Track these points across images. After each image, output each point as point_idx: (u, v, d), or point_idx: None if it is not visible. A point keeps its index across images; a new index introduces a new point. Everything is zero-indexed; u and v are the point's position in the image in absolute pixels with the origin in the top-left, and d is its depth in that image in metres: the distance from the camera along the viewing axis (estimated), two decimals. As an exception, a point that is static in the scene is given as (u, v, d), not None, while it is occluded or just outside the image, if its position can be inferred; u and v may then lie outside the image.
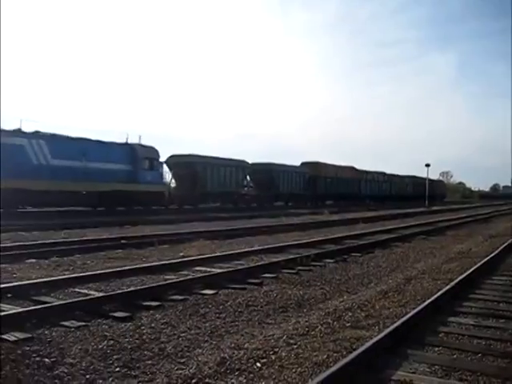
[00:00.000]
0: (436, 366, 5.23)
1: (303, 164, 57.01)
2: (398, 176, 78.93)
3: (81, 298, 7.63)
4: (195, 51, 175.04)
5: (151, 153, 36.00)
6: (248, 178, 49.17)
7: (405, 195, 77.59)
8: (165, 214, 30.76)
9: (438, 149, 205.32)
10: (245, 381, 4.81)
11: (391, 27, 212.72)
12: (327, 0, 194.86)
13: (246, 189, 48.29)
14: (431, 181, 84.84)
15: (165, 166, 39.50)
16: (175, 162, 40.76)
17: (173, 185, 41.29)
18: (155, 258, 12.41)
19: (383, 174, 73.77)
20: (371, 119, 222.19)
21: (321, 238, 17.14)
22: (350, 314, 7.42)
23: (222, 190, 43.08)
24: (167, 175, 40.10)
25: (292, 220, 27.84)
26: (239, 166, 45.90)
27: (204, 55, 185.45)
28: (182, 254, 13.12)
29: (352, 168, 64.63)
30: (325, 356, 5.49)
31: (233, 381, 4.80)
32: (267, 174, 49.31)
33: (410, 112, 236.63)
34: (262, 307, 7.81)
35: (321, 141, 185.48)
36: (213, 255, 12.47)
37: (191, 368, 5.10)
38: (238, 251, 13.36)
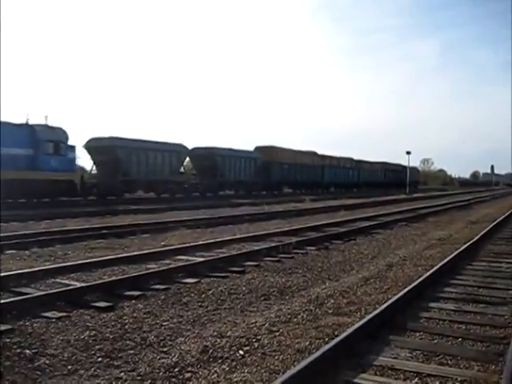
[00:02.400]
0: (417, 351, 5.28)
1: (256, 149, 51.71)
2: (367, 162, 74.14)
3: (62, 289, 7.56)
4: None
5: (57, 135, 29.99)
6: (190, 164, 46.05)
7: (375, 183, 74.05)
8: (145, 204, 30.23)
9: (420, 136, 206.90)
10: (228, 369, 4.81)
11: (373, 14, 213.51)
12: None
13: (183, 176, 42.48)
14: (404, 167, 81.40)
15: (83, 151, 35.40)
16: (94, 146, 35.55)
17: (94, 172, 36.77)
18: (136, 247, 12.35)
19: (350, 159, 68.64)
20: (354, 107, 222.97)
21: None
22: (332, 300, 7.46)
23: (152, 178, 37.60)
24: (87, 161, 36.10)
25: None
26: (173, 150, 39.91)
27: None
28: (163, 243, 13.07)
29: (313, 153, 59.70)
30: (307, 343, 5.51)
31: (216, 369, 4.80)
32: (210, 160, 43.37)
33: (393, 99, 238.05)
34: (244, 295, 7.82)
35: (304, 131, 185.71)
36: (194, 244, 12.43)
37: (174, 357, 5.10)
38: (220, 239, 13.34)
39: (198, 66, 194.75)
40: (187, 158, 43.54)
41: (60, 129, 30.43)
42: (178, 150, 40.39)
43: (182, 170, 42.22)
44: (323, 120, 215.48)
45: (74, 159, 32.05)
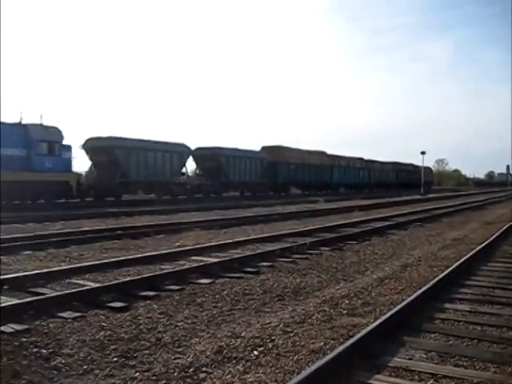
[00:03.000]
0: (432, 353, 5.26)
1: (262, 148, 50.04)
2: (378, 162, 72.47)
3: (77, 289, 7.61)
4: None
5: (51, 135, 29.16)
6: (194, 165, 44.34)
7: (386, 183, 72.91)
8: (160, 205, 30.27)
9: (434, 136, 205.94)
10: (242, 369, 4.82)
11: (385, 14, 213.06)
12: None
13: (184, 177, 40.83)
14: (415, 167, 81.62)
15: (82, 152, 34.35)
16: (92, 146, 34.62)
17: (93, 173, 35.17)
18: (151, 248, 12.41)
19: (360, 159, 67.03)
20: (365, 107, 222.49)
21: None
22: (347, 301, 7.44)
23: (152, 180, 36.50)
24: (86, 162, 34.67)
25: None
26: (175, 150, 38.59)
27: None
28: (178, 243, 13.11)
29: (322, 153, 58.00)
30: (321, 343, 5.51)
31: (230, 369, 4.81)
32: (213, 160, 42.09)
33: (405, 100, 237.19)
34: (258, 296, 7.82)
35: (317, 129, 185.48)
36: (208, 244, 12.46)
37: (188, 357, 5.11)
38: (234, 240, 13.35)
39: (206, 64, 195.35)
40: (190, 159, 42.26)
41: (54, 128, 29.71)
42: (179, 150, 39.28)
43: (183, 170, 40.82)
44: (334, 120, 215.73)
45: (69, 160, 30.97)
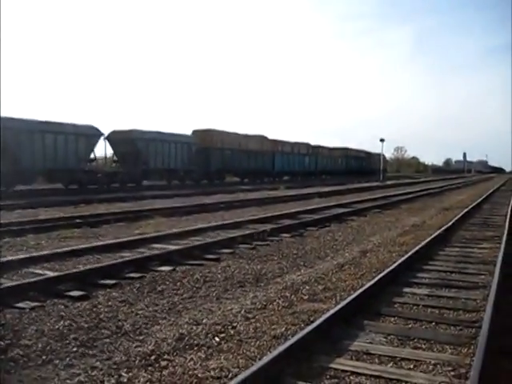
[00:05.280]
0: (392, 336, 5.35)
1: (193, 133, 44.65)
2: (326, 148, 68.25)
3: (35, 279, 7.47)
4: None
5: None
6: (111, 150, 37.62)
7: (335, 170, 69.12)
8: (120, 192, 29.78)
9: (395, 124, 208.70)
10: (204, 356, 4.81)
11: (351, 1, 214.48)
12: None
13: (93, 164, 35.33)
14: (368, 154, 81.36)
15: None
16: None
17: None
18: (111, 236, 12.27)
19: (306, 145, 62.36)
20: (333, 93, 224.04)
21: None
22: (308, 287, 7.49)
23: (51, 167, 30.44)
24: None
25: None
26: (80, 133, 32.54)
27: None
28: (138, 231, 13.00)
29: (262, 138, 52.88)
30: (283, 329, 5.54)
31: (192, 356, 4.80)
32: (130, 145, 36.43)
33: (369, 86, 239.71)
34: (219, 282, 7.81)
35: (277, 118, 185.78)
36: (169, 232, 12.38)
37: (149, 345, 5.07)
38: (195, 227, 13.30)
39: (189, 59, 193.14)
40: (106, 143, 36.60)
41: None
42: (86, 134, 33.24)
43: (92, 156, 34.61)
44: (305, 108, 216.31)
45: None
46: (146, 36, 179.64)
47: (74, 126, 32.73)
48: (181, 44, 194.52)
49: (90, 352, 4.93)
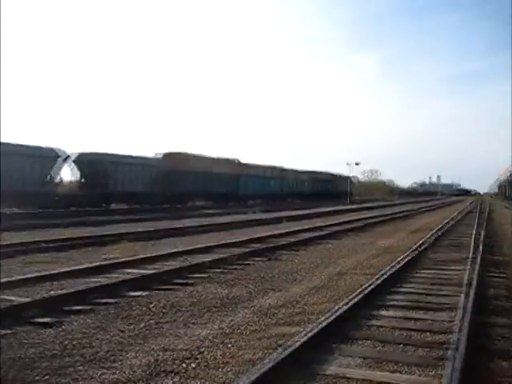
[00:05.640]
0: (362, 359, 5.31)
1: (163, 156, 44.04)
2: (292, 171, 68.18)
3: (4, 305, 7.25)
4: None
5: None
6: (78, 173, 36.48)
7: (302, 193, 68.61)
8: (89, 216, 29.24)
9: (368, 147, 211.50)
10: (172, 382, 4.72)
11: (321, 26, 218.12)
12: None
13: (51, 186, 33.74)
14: (335, 177, 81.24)
15: None
16: None
17: None
18: (79, 261, 12.04)
19: (272, 168, 62.38)
20: (304, 117, 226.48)
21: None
22: (276, 311, 7.42)
23: (4, 190, 27.19)
24: None
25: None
26: (36, 155, 31.71)
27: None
28: (104, 256, 12.80)
29: (227, 160, 52.87)
30: (251, 354, 5.46)
31: (163, 383, 4.72)
32: (94, 167, 35.90)
33: (342, 110, 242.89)
34: (187, 307, 7.69)
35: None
36: (137, 257, 12.21)
37: (121, 371, 4.97)
38: (163, 253, 13.15)
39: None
40: (72, 166, 36.03)
41: None
42: (42, 155, 32.47)
43: (48, 178, 33.44)
44: (278, 131, 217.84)
45: None
46: (116, 57, 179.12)
47: (29, 147, 32.13)
48: (153, 66, 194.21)
49: (63, 380, 4.78)
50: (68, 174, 36.76)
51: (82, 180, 36.83)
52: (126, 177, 38.40)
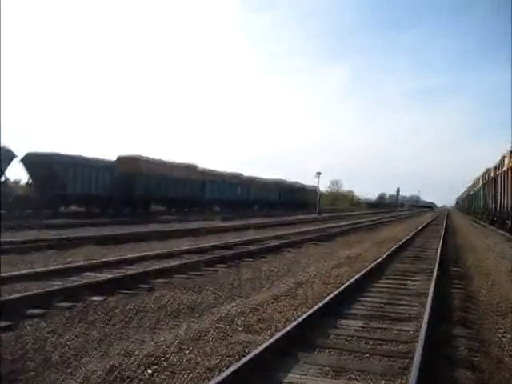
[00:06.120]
0: (326, 368, 5.32)
1: (118, 159, 42.60)
2: (258, 179, 68.00)
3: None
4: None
5: None
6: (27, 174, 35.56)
7: (269, 202, 68.70)
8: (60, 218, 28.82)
9: (331, 157, 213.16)
10: (135, 388, 4.66)
11: (287, 38, 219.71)
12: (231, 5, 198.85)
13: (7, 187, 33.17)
14: (302, 186, 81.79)
15: None
16: None
17: None
18: (41, 263, 11.85)
19: (238, 175, 62.20)
20: (267, 126, 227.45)
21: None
22: (243, 318, 7.41)
23: None
24: None
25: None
26: None
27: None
28: (69, 259, 12.63)
29: (192, 167, 52.03)
30: (217, 361, 5.44)
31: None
32: (47, 169, 34.05)
33: (306, 120, 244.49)
34: (152, 313, 7.64)
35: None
36: (101, 261, 12.07)
37: (78, 377, 4.87)
38: (129, 256, 13.02)
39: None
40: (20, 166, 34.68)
41: None
42: None
43: (3, 179, 32.97)
44: (236, 140, 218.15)
45: None
46: (72, 57, 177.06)
47: None
48: (110, 67, 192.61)
49: (15, 386, 4.69)
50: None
51: (30, 181, 35.67)
52: (77, 179, 36.78)
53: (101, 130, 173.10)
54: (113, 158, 42.76)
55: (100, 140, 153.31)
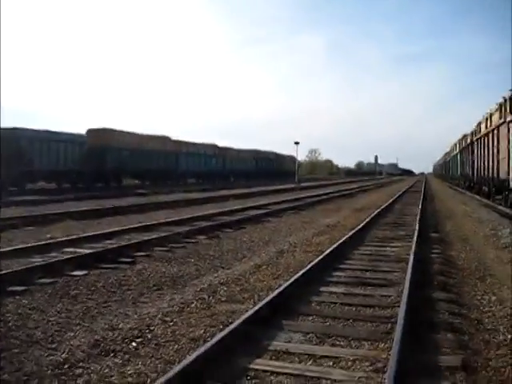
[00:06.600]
0: (310, 334, 5.37)
1: (88, 132, 40.95)
2: (234, 150, 66.70)
3: None
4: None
5: None
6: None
7: (244, 172, 67.33)
8: (36, 195, 28.34)
9: (310, 127, 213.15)
10: (120, 362, 4.66)
11: (264, 5, 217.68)
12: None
13: None
14: (278, 156, 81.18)
15: None
16: None
17: None
18: (20, 240, 11.74)
19: (213, 146, 60.65)
20: (244, 97, 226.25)
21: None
22: (225, 288, 7.44)
23: None
24: None
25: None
26: None
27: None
28: (49, 235, 12.52)
29: (164, 138, 50.45)
30: (201, 331, 5.46)
31: (108, 363, 4.63)
32: (11, 144, 31.72)
33: (284, 90, 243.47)
34: (135, 286, 7.63)
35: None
36: (81, 235, 12.00)
37: (63, 353, 4.85)
38: (108, 230, 12.95)
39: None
40: None
41: None
42: None
43: None
44: (218, 110, 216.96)
45: None
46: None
47: None
48: (82, 35, 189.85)
49: (-2, 363, 4.66)
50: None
51: None
52: (44, 154, 35.03)
53: (70, 102, 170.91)
54: (83, 131, 41.22)
55: (69, 114, 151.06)
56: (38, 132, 35.08)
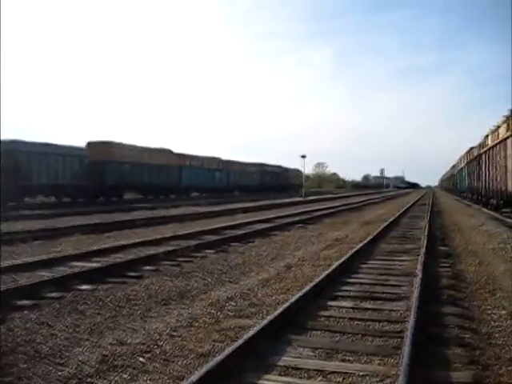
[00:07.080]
0: (319, 350, 5.33)
1: (87, 145, 40.06)
2: (238, 163, 65.86)
3: None
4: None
5: None
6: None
7: (250, 186, 66.98)
8: (38, 209, 28.51)
9: (316, 140, 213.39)
10: (128, 377, 4.64)
11: (271, 20, 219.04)
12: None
13: None
14: (284, 169, 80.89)
15: None
16: None
17: None
18: (28, 254, 11.76)
19: (217, 160, 60.10)
20: (251, 110, 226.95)
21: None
22: (233, 303, 7.41)
23: None
24: None
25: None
26: None
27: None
28: (57, 249, 12.54)
29: (167, 151, 49.72)
30: (210, 346, 5.43)
31: (116, 378, 4.61)
32: (8, 157, 31.17)
33: (291, 104, 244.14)
34: (143, 301, 7.61)
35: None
36: (90, 250, 12.01)
37: (71, 368, 4.84)
38: (116, 245, 12.97)
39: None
40: None
41: None
42: None
43: None
44: (225, 125, 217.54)
45: None
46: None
47: None
48: (86, 49, 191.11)
49: (6, 379, 4.64)
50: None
51: None
52: (43, 168, 34.32)
53: (70, 115, 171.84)
54: (83, 144, 40.47)
55: (70, 126, 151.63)
56: (36, 145, 34.46)
